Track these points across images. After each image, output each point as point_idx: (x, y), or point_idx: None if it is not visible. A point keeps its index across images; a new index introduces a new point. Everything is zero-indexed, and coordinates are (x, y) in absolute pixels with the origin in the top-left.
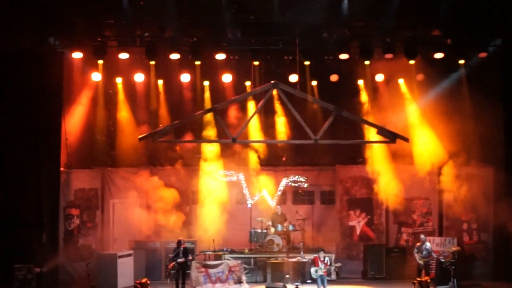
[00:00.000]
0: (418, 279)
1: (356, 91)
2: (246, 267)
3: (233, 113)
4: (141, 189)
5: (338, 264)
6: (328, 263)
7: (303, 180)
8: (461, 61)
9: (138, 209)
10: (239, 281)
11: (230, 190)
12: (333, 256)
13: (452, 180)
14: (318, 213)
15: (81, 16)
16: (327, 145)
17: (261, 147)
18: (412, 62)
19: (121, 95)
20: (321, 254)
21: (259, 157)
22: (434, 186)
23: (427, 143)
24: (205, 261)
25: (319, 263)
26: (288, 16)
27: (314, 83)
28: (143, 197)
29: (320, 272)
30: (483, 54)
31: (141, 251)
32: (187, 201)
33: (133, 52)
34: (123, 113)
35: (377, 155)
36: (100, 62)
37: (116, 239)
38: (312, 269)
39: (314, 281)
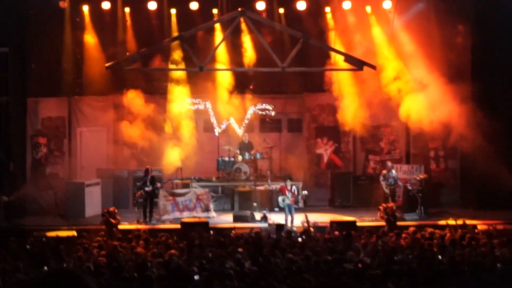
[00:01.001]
0: (384, 205)
1: (323, 18)
2: (213, 195)
3: (200, 41)
4: (108, 117)
5: (305, 192)
6: (296, 192)
7: (271, 108)
8: None
9: (105, 138)
10: (207, 209)
11: (197, 118)
12: (300, 184)
13: (420, 108)
14: (286, 141)
15: None
16: (294, 73)
17: (228, 75)
18: None
19: (88, 23)
20: (288, 183)
21: (226, 85)
22: (401, 114)
23: (394, 70)
24: (172, 189)
25: (286, 192)
26: None
27: (281, 10)
28: (110, 125)
29: (287, 201)
30: None
31: (108, 179)
32: (154, 130)
33: None
34: (90, 41)
35: (344, 82)
36: None
37: (83, 167)
38: (280, 198)
39: (281, 209)
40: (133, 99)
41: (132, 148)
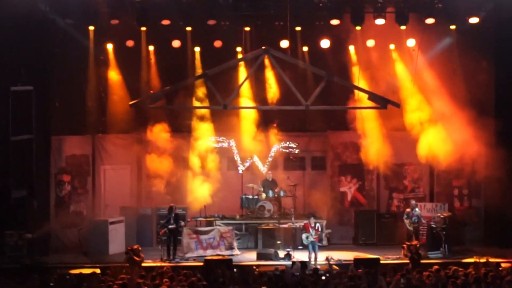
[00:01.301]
0: (408, 243)
1: (347, 56)
2: (237, 233)
3: (224, 79)
4: (132, 155)
5: (329, 231)
6: (319, 229)
7: (294, 146)
8: (452, 27)
9: (128, 175)
10: (230, 247)
11: (221, 156)
12: (324, 222)
13: (443, 145)
14: (309, 179)
15: None
16: (318, 111)
17: (252, 112)
18: (403, 27)
19: (112, 61)
20: (312, 220)
21: (249, 122)
22: (425, 153)
23: (418, 108)
24: (196, 227)
25: (310, 229)
26: None
27: (305, 49)
28: (133, 163)
29: (311, 239)
30: (474, 19)
31: (132, 217)
32: (178, 167)
33: (123, 18)
34: (114, 79)
35: (368, 121)
36: (91, 28)
37: (107, 205)
38: (303, 236)
39: (305, 247)
40: (158, 135)
41: (156, 185)
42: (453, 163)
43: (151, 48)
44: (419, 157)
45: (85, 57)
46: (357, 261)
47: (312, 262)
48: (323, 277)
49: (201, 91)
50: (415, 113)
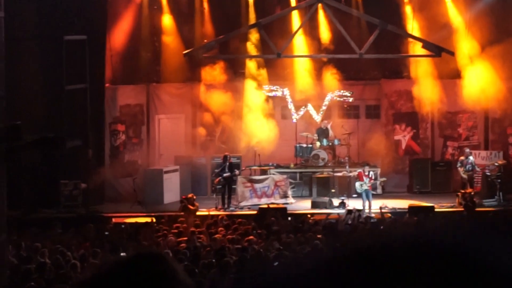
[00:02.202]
0: (462, 191)
1: (401, 5)
2: (291, 182)
3: (277, 28)
4: (187, 105)
5: (384, 179)
6: (373, 178)
7: (348, 94)
8: None
9: (183, 124)
10: (285, 196)
11: (275, 105)
12: (378, 171)
13: (498, 94)
14: (363, 128)
15: None
16: (371, 59)
17: (305, 61)
18: None
19: (165, 11)
20: (366, 169)
21: (303, 71)
22: (480, 100)
23: (473, 57)
24: (250, 176)
25: (364, 178)
26: None
27: None
28: (188, 112)
29: (365, 187)
30: None
31: (187, 166)
32: (233, 116)
33: None
34: (168, 29)
35: (422, 69)
36: None
37: (162, 154)
38: (357, 184)
39: (359, 195)
40: (211, 84)
41: (210, 134)
42: (508, 110)
43: None
44: (472, 105)
45: (139, 7)
46: (411, 209)
47: (366, 210)
48: (381, 227)
49: (254, 40)
50: (469, 60)
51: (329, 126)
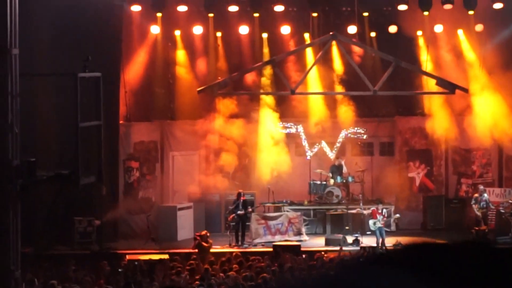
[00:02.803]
0: (476, 228)
1: (415, 42)
2: (305, 219)
3: (291, 65)
4: (200, 142)
5: (397, 216)
6: (386, 215)
7: (362, 131)
8: None
9: (197, 161)
10: (299, 233)
11: (289, 142)
12: (392, 208)
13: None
14: (377, 165)
15: None
16: (385, 96)
17: (319, 98)
18: (471, 12)
19: (179, 48)
20: (380, 206)
21: (317, 108)
22: (494, 137)
23: (486, 94)
24: (264, 213)
25: (377, 215)
26: None
27: (372, 34)
28: (202, 150)
29: (378, 224)
30: None
31: (200, 203)
32: (246, 154)
33: (191, 4)
34: (182, 65)
35: (436, 106)
36: (159, 15)
37: (175, 191)
38: (371, 222)
39: (373, 232)
40: (226, 121)
41: (224, 171)
42: None
43: (218, 34)
44: (486, 142)
45: (153, 44)
46: None
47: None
48: None
49: (268, 78)
50: (482, 97)
51: (343, 163)
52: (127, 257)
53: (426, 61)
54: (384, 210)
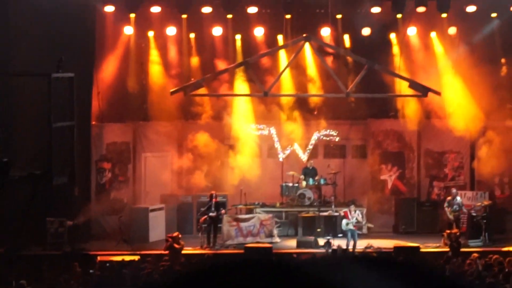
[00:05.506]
0: (448, 231)
1: (388, 44)
2: (277, 221)
3: (265, 67)
4: (173, 143)
5: (371, 225)
6: (360, 216)
7: (335, 134)
8: (494, 14)
9: (169, 163)
10: (270, 235)
11: (261, 144)
12: (364, 210)
13: (485, 135)
14: (350, 167)
15: None
16: (359, 98)
17: (292, 100)
18: (444, 15)
19: (153, 49)
20: (352, 208)
21: (290, 110)
22: (466, 140)
23: (459, 97)
24: (236, 215)
25: (350, 217)
26: None
27: (346, 36)
28: (174, 151)
29: (351, 226)
30: None
31: (172, 205)
32: (219, 155)
33: (165, 5)
34: (155, 67)
35: (409, 109)
36: (132, 15)
37: (148, 192)
38: (343, 221)
39: (345, 235)
40: (198, 123)
41: (196, 173)
42: (494, 152)
43: (192, 35)
44: (459, 145)
45: (126, 45)
46: (397, 249)
47: (350, 249)
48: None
49: (241, 79)
50: (455, 100)
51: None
52: (99, 258)
53: (399, 63)
54: (357, 211)
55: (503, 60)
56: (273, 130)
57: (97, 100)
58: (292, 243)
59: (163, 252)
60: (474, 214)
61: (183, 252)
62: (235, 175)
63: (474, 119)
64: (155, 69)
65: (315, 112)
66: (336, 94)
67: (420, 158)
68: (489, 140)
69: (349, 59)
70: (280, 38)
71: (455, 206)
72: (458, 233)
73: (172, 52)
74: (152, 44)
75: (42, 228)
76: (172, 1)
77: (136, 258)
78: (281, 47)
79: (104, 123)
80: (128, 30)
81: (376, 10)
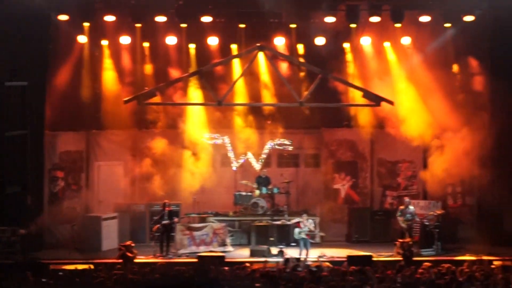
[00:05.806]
0: (400, 240)
1: (342, 54)
2: (230, 230)
3: (218, 76)
4: (126, 152)
5: (323, 234)
6: (312, 225)
7: (288, 143)
8: (448, 25)
9: (122, 172)
10: (223, 244)
11: (215, 153)
12: (317, 219)
13: (437, 144)
14: (303, 176)
15: None
16: (312, 108)
17: (246, 109)
18: (398, 25)
19: (107, 58)
20: (304, 217)
21: (244, 119)
22: (419, 150)
23: (413, 105)
24: (189, 223)
25: (302, 226)
26: None
27: (300, 46)
28: (127, 160)
29: (303, 235)
30: (469, 17)
31: (125, 213)
32: (172, 164)
33: (119, 14)
34: (109, 76)
35: (362, 118)
36: (86, 24)
37: (101, 201)
38: (296, 230)
39: (298, 243)
40: (151, 132)
41: (149, 181)
42: (446, 161)
43: (146, 44)
44: (412, 155)
45: (80, 53)
46: (350, 258)
47: (303, 258)
48: (324, 273)
49: (195, 88)
50: (408, 110)
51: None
52: (51, 267)
53: (352, 73)
54: (310, 221)
55: (455, 66)
56: (226, 139)
57: (50, 109)
58: (245, 252)
59: (116, 260)
60: (426, 223)
61: (136, 260)
62: (190, 183)
63: (428, 128)
64: (109, 78)
65: (269, 122)
66: (289, 104)
67: (373, 168)
68: (441, 148)
69: (303, 68)
70: (234, 48)
71: (407, 215)
72: (410, 242)
73: (126, 61)
74: (106, 52)
75: None
76: (126, 10)
77: (89, 266)
78: (235, 56)
79: (57, 132)
80: (82, 39)
81: (330, 20)
